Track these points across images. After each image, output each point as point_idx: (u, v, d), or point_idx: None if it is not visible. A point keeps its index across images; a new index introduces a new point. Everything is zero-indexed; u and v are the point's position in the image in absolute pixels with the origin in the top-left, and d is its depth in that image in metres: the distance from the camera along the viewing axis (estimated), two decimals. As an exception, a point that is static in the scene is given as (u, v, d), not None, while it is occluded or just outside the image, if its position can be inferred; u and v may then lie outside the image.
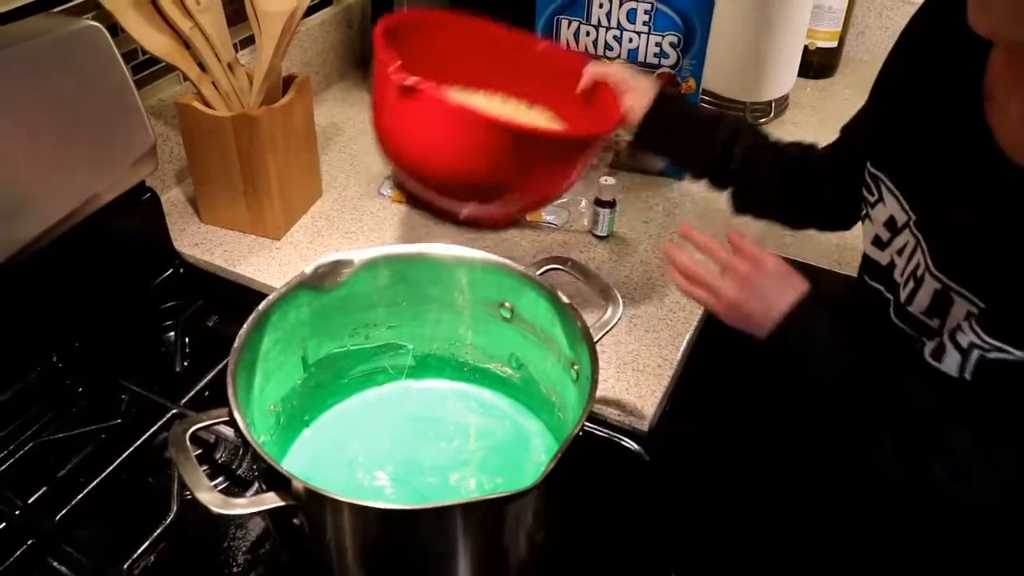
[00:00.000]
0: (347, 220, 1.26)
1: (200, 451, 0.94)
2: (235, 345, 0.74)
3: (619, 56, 1.26)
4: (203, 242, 1.21)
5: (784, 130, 1.58)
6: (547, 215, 1.25)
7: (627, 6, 1.20)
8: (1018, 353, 0.70)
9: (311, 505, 0.65)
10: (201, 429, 0.70)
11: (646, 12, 1.20)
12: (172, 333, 1.09)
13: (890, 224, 0.85)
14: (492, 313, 0.89)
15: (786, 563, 0.98)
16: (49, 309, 1.01)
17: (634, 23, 1.22)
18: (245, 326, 0.76)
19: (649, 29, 1.22)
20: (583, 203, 1.27)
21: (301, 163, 1.22)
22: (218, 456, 0.95)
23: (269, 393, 0.83)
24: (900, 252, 0.83)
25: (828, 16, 1.67)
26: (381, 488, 0.84)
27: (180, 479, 0.84)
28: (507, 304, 0.87)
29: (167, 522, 0.84)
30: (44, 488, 0.88)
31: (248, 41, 1.31)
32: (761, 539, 1.01)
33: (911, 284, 0.81)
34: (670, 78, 1.25)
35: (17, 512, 0.84)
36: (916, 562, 0.90)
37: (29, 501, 0.86)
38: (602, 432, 0.96)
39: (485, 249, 0.87)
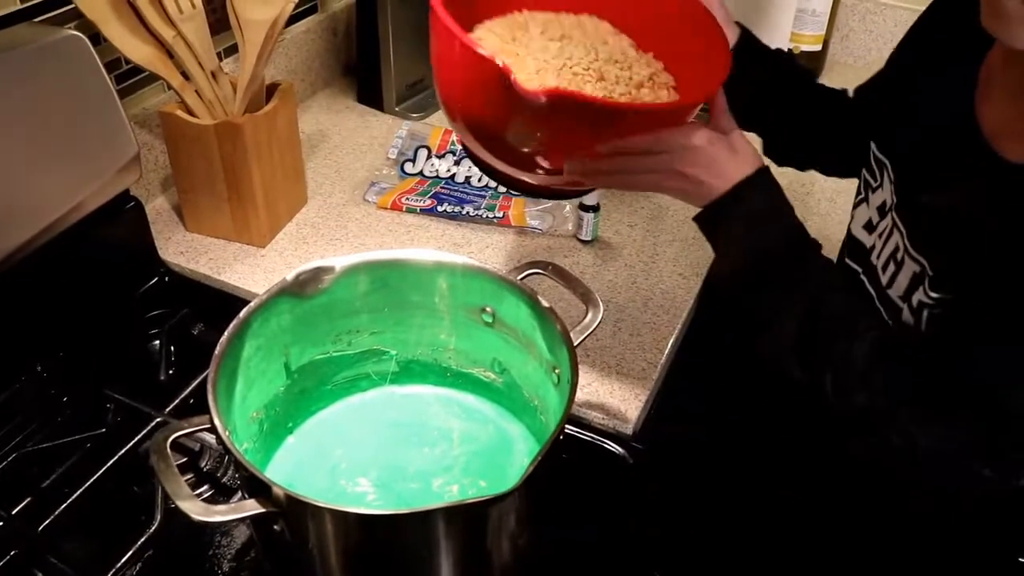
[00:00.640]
0: (332, 227, 1.26)
1: (185, 459, 0.94)
2: (216, 352, 0.75)
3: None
4: (188, 250, 1.21)
5: (768, 133, 1.59)
6: (531, 220, 1.26)
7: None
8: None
9: (292, 511, 0.65)
10: (182, 437, 0.70)
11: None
12: (157, 341, 1.09)
13: (881, 208, 0.86)
14: (474, 318, 0.89)
15: (769, 564, 0.99)
16: (33, 318, 1.01)
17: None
18: (226, 334, 0.76)
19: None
20: (567, 207, 1.28)
21: (286, 170, 1.22)
22: (203, 464, 0.95)
23: (251, 400, 0.83)
24: (881, 235, 0.84)
25: (812, 20, 1.68)
26: (364, 494, 0.84)
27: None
28: (488, 309, 0.88)
29: (151, 531, 0.84)
30: (28, 498, 0.88)
31: (232, 50, 1.31)
32: (745, 541, 1.01)
33: (891, 267, 0.82)
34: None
35: (1, 523, 0.84)
36: (900, 562, 0.91)
37: (13, 512, 0.86)
38: (586, 436, 0.97)
39: (468, 254, 0.88)
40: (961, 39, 0.79)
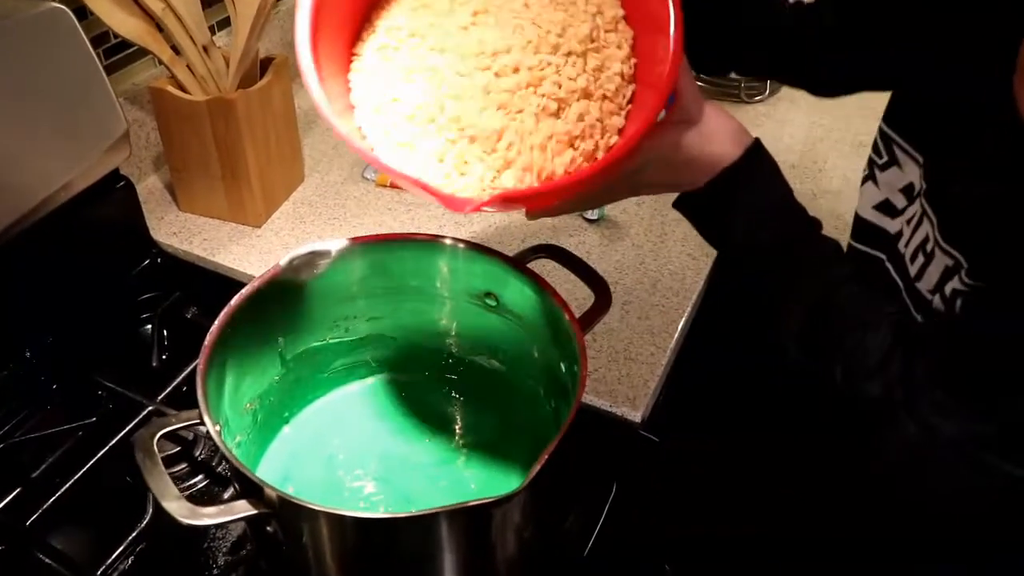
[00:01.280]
0: (330, 206, 1.22)
1: (179, 448, 0.91)
2: (205, 343, 0.71)
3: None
4: (181, 231, 1.17)
5: (780, 107, 1.55)
6: (536, 198, 1.22)
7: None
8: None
9: (285, 513, 0.62)
10: (169, 433, 0.67)
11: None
12: (149, 326, 1.06)
13: (907, 191, 0.81)
14: (477, 303, 0.86)
15: (781, 556, 0.96)
16: (21, 303, 0.98)
17: None
18: (216, 324, 0.73)
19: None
20: (573, 185, 1.24)
21: (281, 147, 1.18)
22: (197, 453, 0.92)
23: (244, 391, 0.80)
24: (909, 222, 0.80)
25: (824, -11, 1.62)
26: (363, 488, 0.82)
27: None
28: (492, 294, 0.84)
29: (143, 525, 0.82)
30: (17, 490, 0.85)
31: (224, 23, 1.27)
32: (756, 532, 0.98)
33: (920, 258, 0.78)
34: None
35: (-12, 516, 0.82)
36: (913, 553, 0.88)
37: (1, 504, 0.84)
38: (594, 424, 0.94)
39: (471, 235, 0.84)
40: (996, 18, 0.74)
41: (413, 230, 1.04)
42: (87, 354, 0.99)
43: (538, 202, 0.68)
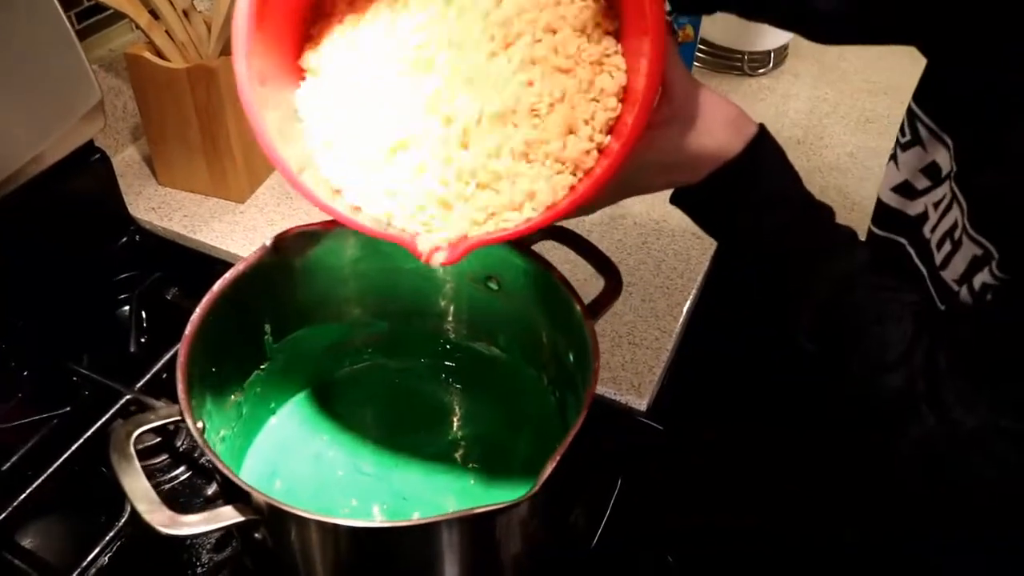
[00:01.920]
0: (318, 181, 1.17)
1: (159, 439, 0.86)
2: (186, 333, 0.66)
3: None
4: (160, 206, 1.12)
5: (784, 80, 1.50)
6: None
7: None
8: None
9: (274, 520, 0.57)
10: (148, 431, 0.62)
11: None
12: (127, 308, 1.01)
13: (931, 171, 0.76)
14: (476, 287, 0.81)
15: (782, 547, 0.93)
16: (-11, 285, 0.92)
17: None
18: (197, 312, 0.68)
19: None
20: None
21: (266, 119, 1.12)
22: (179, 443, 0.87)
23: (229, 382, 0.75)
24: (936, 205, 0.76)
25: None
26: (355, 484, 0.77)
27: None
28: (494, 277, 0.79)
29: (121, 522, 0.77)
30: (-13, 484, 0.81)
31: (206, -15, 1.20)
32: (757, 523, 0.96)
33: (947, 246, 0.73)
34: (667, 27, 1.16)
35: (-44, 513, 0.77)
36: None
37: (-31, 500, 0.79)
38: (597, 412, 0.89)
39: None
40: None
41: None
42: (60, 339, 0.95)
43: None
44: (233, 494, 0.57)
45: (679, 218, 1.14)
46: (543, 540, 0.70)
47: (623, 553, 0.85)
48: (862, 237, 0.76)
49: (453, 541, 0.59)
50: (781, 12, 0.83)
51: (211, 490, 0.83)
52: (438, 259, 0.57)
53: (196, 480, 0.85)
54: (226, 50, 1.04)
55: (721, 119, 0.64)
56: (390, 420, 0.84)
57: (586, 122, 0.58)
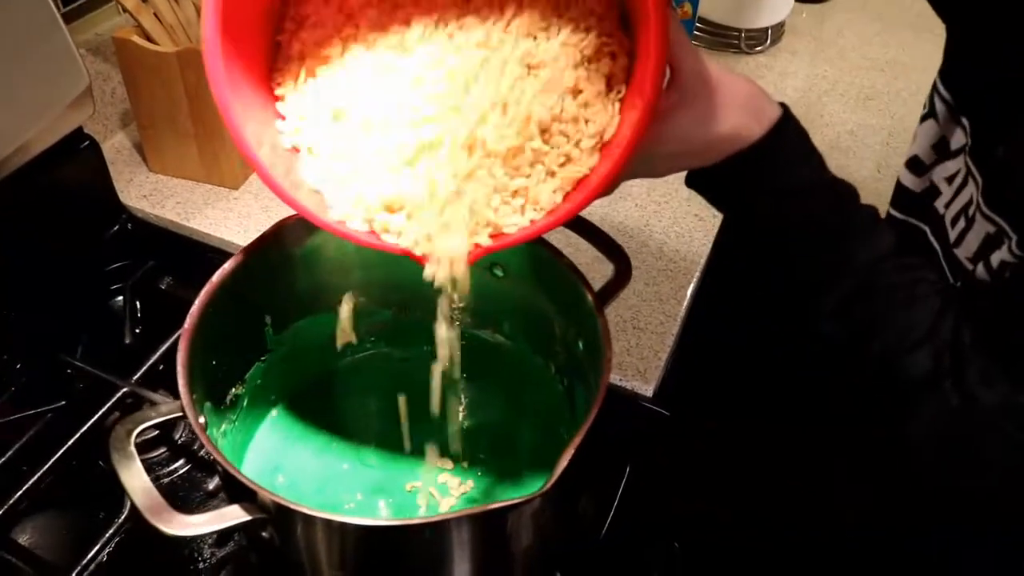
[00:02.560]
0: (313, 165, 1.15)
1: (157, 432, 0.85)
2: (185, 327, 0.64)
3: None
4: (152, 193, 1.09)
5: (781, 58, 1.49)
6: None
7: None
8: None
9: (281, 519, 0.56)
10: (149, 428, 0.60)
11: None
12: (120, 298, 0.99)
13: (941, 146, 0.75)
14: (482, 274, 0.79)
15: (791, 536, 0.92)
16: (-22, 276, 0.90)
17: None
18: (196, 304, 0.65)
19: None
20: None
21: (259, 103, 1.10)
22: (177, 436, 0.86)
23: (229, 375, 0.74)
24: (951, 180, 0.74)
25: None
26: (359, 477, 0.75)
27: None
28: (499, 264, 0.77)
29: (121, 518, 0.76)
30: (-20, 482, 0.79)
31: (194, -35, 1.17)
32: (765, 510, 0.95)
33: (961, 223, 0.71)
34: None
35: (-51, 512, 0.75)
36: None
37: (-37, 497, 0.77)
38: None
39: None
40: None
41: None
42: (53, 331, 0.93)
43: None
44: (238, 492, 0.56)
45: (681, 199, 1.13)
46: (554, 532, 0.69)
47: (630, 540, 0.84)
48: None
49: (465, 537, 0.57)
50: None
51: (211, 484, 0.81)
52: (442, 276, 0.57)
53: (195, 474, 0.83)
54: (217, 32, 1.01)
55: (736, 101, 0.61)
56: (394, 410, 0.82)
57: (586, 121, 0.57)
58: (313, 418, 0.80)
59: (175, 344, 0.86)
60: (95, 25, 1.12)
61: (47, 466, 0.79)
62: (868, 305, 0.66)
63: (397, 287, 0.82)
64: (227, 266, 0.69)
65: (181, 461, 0.84)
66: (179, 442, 0.85)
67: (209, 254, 1.03)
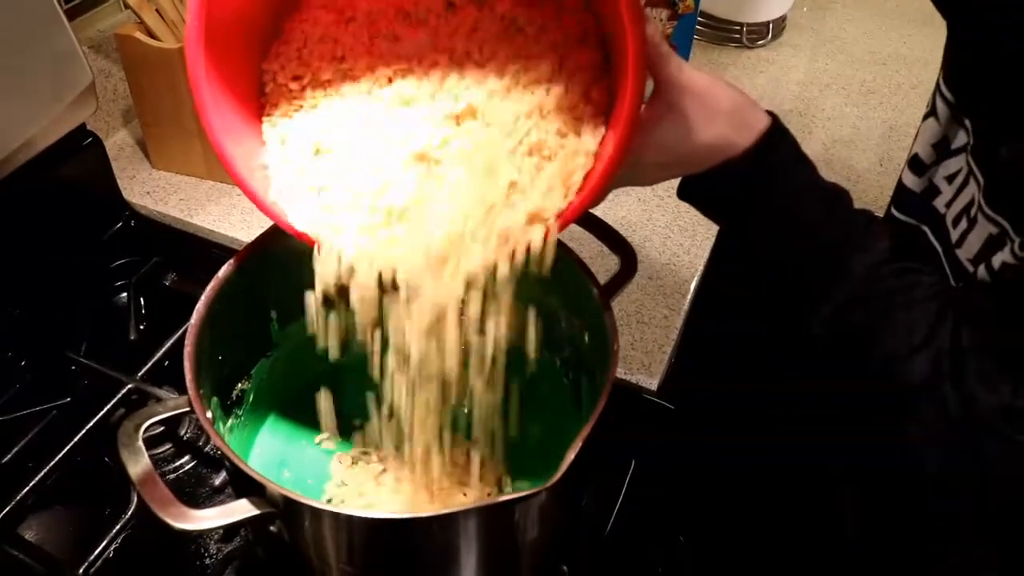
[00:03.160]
0: (315, 161, 1.15)
1: (162, 428, 0.85)
2: (191, 322, 0.64)
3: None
4: (156, 190, 1.10)
5: (782, 52, 1.48)
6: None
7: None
8: None
9: (290, 513, 0.56)
10: (155, 424, 0.60)
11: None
12: (125, 295, 0.99)
13: (941, 145, 0.75)
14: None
15: (796, 530, 0.92)
16: (-17, 274, 0.90)
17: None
18: (202, 300, 0.66)
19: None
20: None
21: (261, 99, 1.10)
22: (182, 432, 0.86)
23: (235, 371, 0.74)
24: (951, 180, 0.74)
25: None
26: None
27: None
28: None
29: (128, 514, 0.76)
30: (-14, 478, 0.79)
31: (195, -39, 1.17)
32: (771, 505, 0.95)
33: (963, 223, 0.71)
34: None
35: (-45, 508, 0.75)
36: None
37: (-31, 494, 0.77)
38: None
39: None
40: None
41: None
42: (58, 327, 0.93)
43: None
44: (246, 487, 0.56)
45: (686, 193, 1.13)
46: (560, 525, 0.69)
47: (635, 534, 0.84)
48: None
49: (472, 531, 0.57)
50: None
51: (217, 479, 0.82)
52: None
53: (201, 469, 0.84)
54: (219, 29, 1.02)
55: (721, 110, 0.61)
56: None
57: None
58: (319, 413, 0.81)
59: (180, 340, 0.87)
60: (98, 22, 1.12)
61: (53, 462, 0.79)
62: (865, 311, 0.66)
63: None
64: (233, 261, 0.69)
65: (186, 457, 0.84)
66: (184, 438, 0.86)
67: (213, 250, 1.04)
